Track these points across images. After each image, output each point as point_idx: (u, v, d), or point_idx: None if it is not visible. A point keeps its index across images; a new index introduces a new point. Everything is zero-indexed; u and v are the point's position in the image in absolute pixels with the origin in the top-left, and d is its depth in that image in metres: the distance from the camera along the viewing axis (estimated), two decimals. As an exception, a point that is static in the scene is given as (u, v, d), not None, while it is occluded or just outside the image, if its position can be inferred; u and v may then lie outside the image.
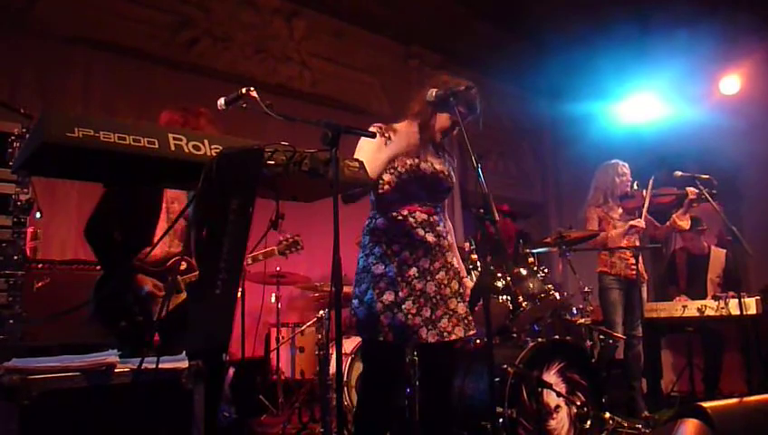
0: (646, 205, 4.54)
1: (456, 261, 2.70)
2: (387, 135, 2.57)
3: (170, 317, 2.70)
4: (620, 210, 4.67)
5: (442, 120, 2.61)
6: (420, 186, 2.56)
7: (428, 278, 2.53)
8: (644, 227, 4.52)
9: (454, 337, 2.53)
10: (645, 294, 4.67)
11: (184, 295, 2.91)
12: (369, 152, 2.46)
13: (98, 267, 3.46)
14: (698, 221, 5.40)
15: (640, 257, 4.63)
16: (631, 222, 4.49)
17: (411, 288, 2.49)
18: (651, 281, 6.28)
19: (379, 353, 2.52)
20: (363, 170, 2.10)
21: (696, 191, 4.47)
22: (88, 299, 2.68)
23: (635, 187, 4.67)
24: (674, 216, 4.66)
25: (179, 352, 2.52)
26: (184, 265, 2.88)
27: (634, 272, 4.57)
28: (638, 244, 4.71)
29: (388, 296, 2.46)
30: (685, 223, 4.65)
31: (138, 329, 2.73)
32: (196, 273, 2.86)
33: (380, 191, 2.54)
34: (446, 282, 2.58)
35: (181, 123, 2.79)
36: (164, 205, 2.88)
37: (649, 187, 4.57)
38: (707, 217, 5.40)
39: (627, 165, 4.74)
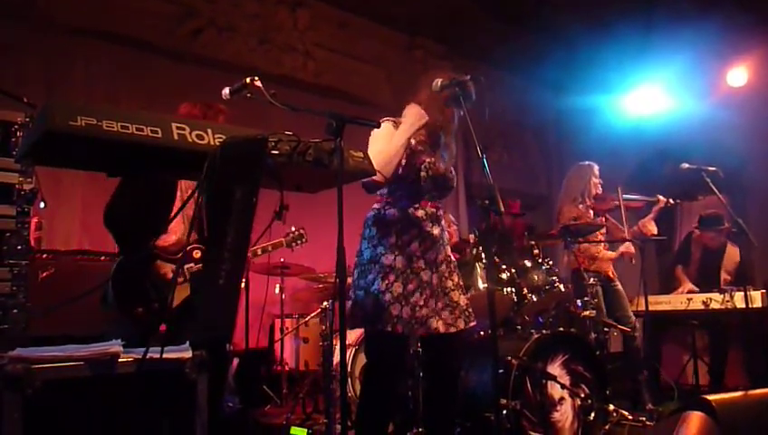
0: (623, 215, 4.56)
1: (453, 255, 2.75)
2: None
3: (181, 307, 2.73)
4: (591, 212, 4.68)
5: (449, 114, 2.63)
6: (434, 183, 2.62)
7: (434, 270, 2.57)
8: (633, 252, 4.61)
9: (453, 329, 2.56)
10: (621, 288, 4.68)
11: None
12: (386, 137, 2.50)
13: (102, 258, 3.48)
14: (720, 220, 5.27)
15: None
16: (621, 249, 4.61)
17: (419, 280, 2.52)
18: (657, 273, 6.27)
19: (386, 344, 2.52)
20: (368, 161, 2.09)
21: (665, 199, 4.61)
22: (104, 283, 2.71)
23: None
24: (641, 221, 4.68)
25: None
26: (198, 254, 2.88)
27: (610, 269, 4.63)
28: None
29: (397, 288, 2.48)
30: (652, 228, 4.65)
31: (153, 316, 2.76)
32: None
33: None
34: (446, 274, 2.62)
35: (201, 118, 2.83)
36: (178, 193, 2.91)
37: (619, 194, 4.60)
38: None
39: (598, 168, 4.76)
